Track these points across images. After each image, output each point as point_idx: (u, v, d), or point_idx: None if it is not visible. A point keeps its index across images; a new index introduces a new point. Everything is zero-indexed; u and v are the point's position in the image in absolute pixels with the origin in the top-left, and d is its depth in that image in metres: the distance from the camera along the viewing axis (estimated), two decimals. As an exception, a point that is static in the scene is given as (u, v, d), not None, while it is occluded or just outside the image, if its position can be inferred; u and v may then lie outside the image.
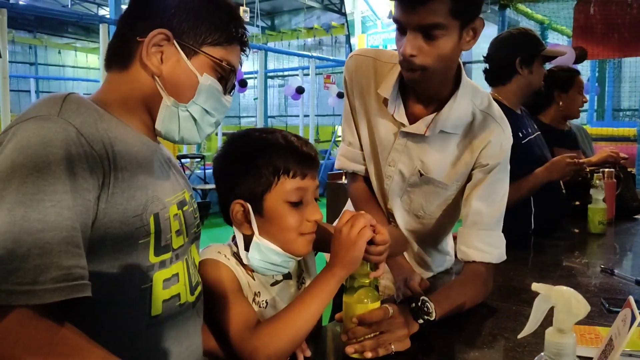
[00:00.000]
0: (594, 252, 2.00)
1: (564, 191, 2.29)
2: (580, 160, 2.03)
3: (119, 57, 0.90)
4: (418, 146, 1.34)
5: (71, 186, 0.71)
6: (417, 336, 1.08)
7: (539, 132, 2.20)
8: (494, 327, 1.19)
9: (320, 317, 0.98)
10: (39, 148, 0.70)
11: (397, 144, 1.36)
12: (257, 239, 1.00)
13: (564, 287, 0.64)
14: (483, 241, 1.29)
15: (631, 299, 0.80)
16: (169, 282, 0.86)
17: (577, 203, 2.41)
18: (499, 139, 1.30)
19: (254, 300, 1.03)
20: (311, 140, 10.66)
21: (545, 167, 2.02)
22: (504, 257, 1.33)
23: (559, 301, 0.63)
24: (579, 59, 5.30)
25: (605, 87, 9.76)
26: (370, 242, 0.96)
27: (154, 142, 0.93)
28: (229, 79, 0.94)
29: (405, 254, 1.50)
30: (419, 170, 1.36)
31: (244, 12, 8.31)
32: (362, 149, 1.46)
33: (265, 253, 1.00)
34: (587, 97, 9.14)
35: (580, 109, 2.59)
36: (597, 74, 9.18)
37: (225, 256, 1.02)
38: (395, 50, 1.27)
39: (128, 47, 0.88)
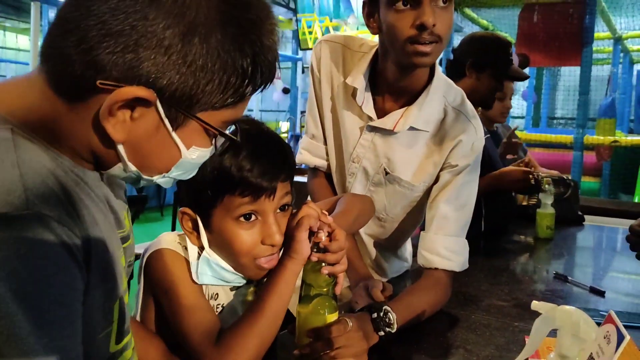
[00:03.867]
0: (544, 257, 1.99)
1: (513, 194, 2.28)
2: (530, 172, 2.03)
3: (62, 83, 0.58)
4: (385, 142, 1.25)
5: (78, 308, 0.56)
6: (375, 348, 1.00)
7: (488, 135, 2.18)
8: (455, 339, 1.12)
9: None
10: (34, 282, 0.51)
11: (363, 138, 1.27)
12: (206, 253, 0.88)
13: (570, 307, 0.56)
14: (447, 248, 1.21)
15: (613, 313, 0.74)
16: None
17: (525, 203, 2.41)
18: (471, 138, 1.23)
19: (210, 303, 0.92)
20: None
21: (496, 174, 1.99)
22: (466, 266, 1.26)
23: (564, 323, 0.55)
24: (522, 66, 5.40)
25: (542, 95, 10.12)
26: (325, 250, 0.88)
27: (89, 172, 0.66)
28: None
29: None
30: (385, 169, 1.27)
31: None
32: (325, 143, 1.36)
33: (215, 270, 0.89)
34: (525, 104, 9.43)
35: (503, 114, 2.57)
36: (534, 82, 9.48)
37: (185, 248, 0.90)
38: (363, 38, 1.17)
39: (77, 79, 0.56)
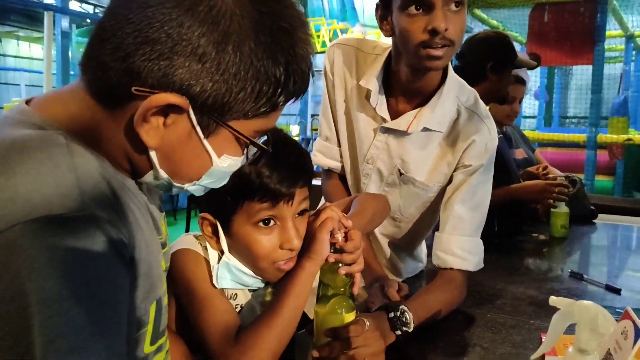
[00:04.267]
0: (558, 255, 1.98)
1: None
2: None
3: (101, 91, 0.61)
4: (399, 143, 1.26)
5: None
6: (392, 347, 1.01)
7: (501, 135, 2.18)
8: (471, 337, 1.13)
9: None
10: (87, 281, 0.53)
11: (377, 140, 1.28)
12: (226, 257, 0.90)
13: (589, 302, 0.57)
14: (462, 248, 1.22)
15: (630, 310, 0.75)
16: None
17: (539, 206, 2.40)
18: (484, 138, 1.23)
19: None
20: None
21: (522, 185, 2.02)
22: (481, 265, 1.26)
23: (583, 318, 0.56)
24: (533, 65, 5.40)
25: (553, 94, 10.05)
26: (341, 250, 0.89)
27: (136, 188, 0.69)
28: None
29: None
30: (399, 169, 1.28)
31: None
32: (339, 145, 1.38)
33: (235, 274, 0.91)
34: (536, 103, 9.32)
35: (510, 117, 2.57)
36: (545, 82, 9.43)
37: (206, 248, 0.92)
38: (376, 40, 1.19)
39: (114, 86, 0.58)
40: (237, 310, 0.94)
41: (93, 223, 0.53)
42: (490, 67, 1.96)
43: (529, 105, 9.09)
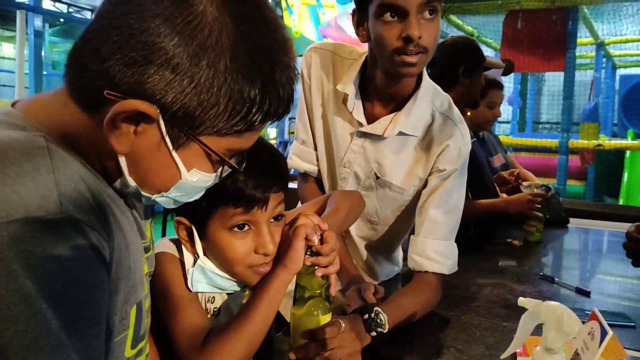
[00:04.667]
0: (532, 259, 2.02)
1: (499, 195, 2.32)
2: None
3: (78, 92, 0.61)
4: (375, 147, 1.28)
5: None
6: (368, 348, 1.02)
7: (475, 139, 2.22)
8: (445, 339, 1.14)
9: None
10: (66, 282, 0.53)
11: (354, 144, 1.29)
12: (201, 261, 0.89)
13: (554, 303, 0.58)
14: (437, 251, 1.23)
15: (597, 311, 0.77)
16: None
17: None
18: (458, 143, 1.25)
19: (206, 307, 0.93)
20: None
21: (506, 200, 2.12)
22: (456, 268, 1.28)
23: (549, 318, 0.57)
24: (507, 71, 5.45)
25: (527, 100, 10.24)
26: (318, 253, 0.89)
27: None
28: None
29: (353, 261, 1.43)
30: (375, 173, 1.29)
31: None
32: (315, 149, 1.38)
33: (210, 277, 0.90)
34: (510, 108, 9.47)
35: (490, 122, 2.62)
36: (519, 87, 9.60)
37: (181, 251, 0.92)
38: (352, 45, 1.20)
39: (89, 88, 0.59)
40: (215, 313, 0.94)
41: (71, 225, 0.54)
42: (462, 72, 2.02)
43: (503, 110, 9.21)
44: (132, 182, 0.65)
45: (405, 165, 1.28)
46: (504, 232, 2.27)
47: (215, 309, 0.94)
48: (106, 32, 0.57)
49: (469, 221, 2.00)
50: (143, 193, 0.66)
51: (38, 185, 0.53)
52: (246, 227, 0.87)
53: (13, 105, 0.65)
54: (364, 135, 1.28)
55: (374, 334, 1.02)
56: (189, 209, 0.87)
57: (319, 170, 1.41)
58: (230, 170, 0.69)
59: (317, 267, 0.88)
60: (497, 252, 2.06)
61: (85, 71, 0.58)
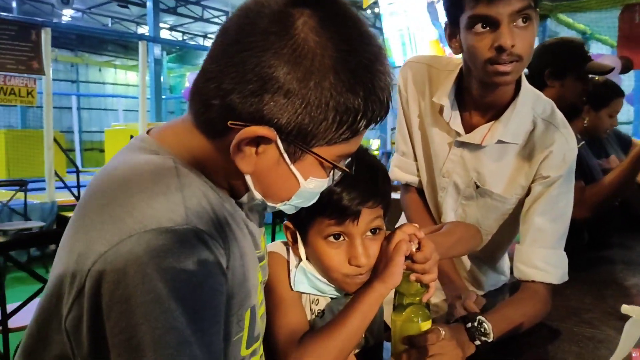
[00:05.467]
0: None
1: (617, 203, 2.17)
2: None
3: (204, 124, 0.70)
4: (474, 156, 1.27)
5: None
6: (473, 358, 1.01)
7: (584, 142, 2.10)
8: (556, 351, 1.11)
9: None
10: (190, 285, 0.60)
11: (452, 154, 1.30)
12: (303, 264, 0.95)
13: None
14: (544, 260, 1.20)
15: None
16: None
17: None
18: (562, 149, 1.21)
19: (310, 308, 0.99)
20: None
21: (629, 161, 1.81)
22: (566, 278, 1.24)
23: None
24: (625, 69, 5.12)
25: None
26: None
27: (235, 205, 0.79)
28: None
29: (457, 271, 1.43)
30: (475, 182, 1.29)
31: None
32: (415, 160, 1.41)
33: (311, 280, 0.96)
34: (631, 109, 8.74)
35: (607, 130, 2.45)
36: (641, 85, 8.86)
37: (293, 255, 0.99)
38: (450, 56, 1.21)
39: (215, 120, 0.67)
40: (319, 315, 0.98)
41: (195, 235, 0.61)
42: (549, 74, 1.92)
43: (622, 111, 8.57)
44: (258, 196, 0.73)
45: (506, 174, 1.26)
46: (622, 241, 2.13)
47: (319, 311, 0.99)
48: (224, 69, 0.65)
49: (579, 222, 1.89)
50: (268, 204, 0.75)
51: (168, 201, 0.62)
52: (341, 238, 0.91)
53: (148, 132, 0.76)
54: (462, 144, 1.28)
55: (478, 342, 1.02)
56: (294, 215, 0.92)
57: (420, 181, 1.43)
58: (342, 173, 0.75)
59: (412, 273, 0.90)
60: (615, 262, 1.94)
61: (209, 105, 0.67)
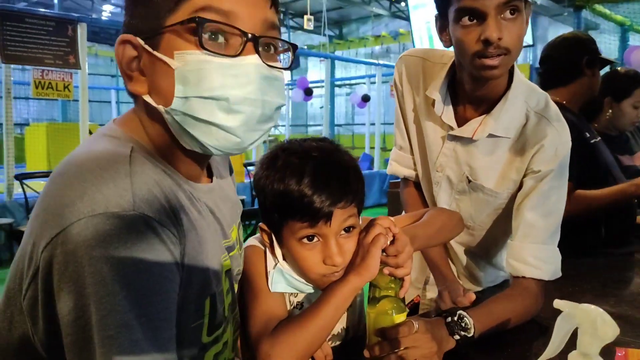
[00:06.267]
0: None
1: (636, 200, 2.11)
2: None
3: (131, 95, 0.78)
4: (466, 150, 1.27)
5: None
6: (453, 353, 1.01)
7: (600, 138, 2.06)
8: (542, 348, 1.08)
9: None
10: (137, 269, 0.62)
11: (445, 148, 1.29)
12: (280, 264, 0.96)
13: (589, 306, 0.56)
14: (535, 256, 1.18)
15: None
16: (220, 353, 0.84)
17: None
18: (554, 143, 1.19)
19: (289, 299, 1.00)
20: (377, 149, 10.35)
21: (636, 183, 1.86)
22: (559, 274, 1.21)
23: (583, 321, 0.55)
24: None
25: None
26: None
27: (199, 186, 0.80)
28: (225, 32, 0.69)
29: (452, 267, 1.42)
30: (467, 177, 1.28)
31: (308, 21, 8.35)
32: (412, 154, 1.41)
33: (289, 280, 0.96)
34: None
35: (633, 123, 2.39)
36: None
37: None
38: (444, 49, 1.20)
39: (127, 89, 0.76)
40: (298, 306, 1.00)
41: (143, 222, 0.63)
42: (586, 62, 1.96)
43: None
44: (161, 107, 0.71)
45: (498, 168, 1.25)
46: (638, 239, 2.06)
47: (298, 302, 1.00)
48: None
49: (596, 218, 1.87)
50: (173, 108, 0.70)
51: (117, 186, 0.64)
52: (315, 239, 0.90)
53: (114, 120, 0.80)
54: (454, 138, 1.27)
55: (457, 337, 1.02)
56: (267, 217, 0.94)
57: (417, 175, 1.43)
58: (217, 23, 0.69)
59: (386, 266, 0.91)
60: (625, 261, 1.88)
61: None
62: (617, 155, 2.30)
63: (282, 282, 0.96)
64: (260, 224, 0.97)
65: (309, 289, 0.98)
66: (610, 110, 2.33)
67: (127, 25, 0.74)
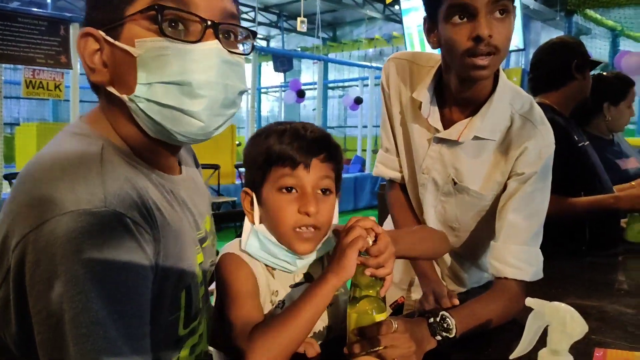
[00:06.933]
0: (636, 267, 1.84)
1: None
2: None
3: (95, 91, 0.81)
4: (452, 153, 1.28)
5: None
6: (435, 354, 1.02)
7: (588, 142, 2.09)
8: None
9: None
10: (108, 266, 0.63)
11: (431, 150, 1.30)
12: (256, 227, 1.00)
13: (558, 303, 0.57)
14: (517, 257, 1.19)
15: None
16: (197, 345, 0.85)
17: None
18: (538, 145, 1.21)
19: (270, 299, 1.01)
20: (369, 151, 10.38)
21: (616, 196, 1.91)
22: (540, 275, 1.23)
23: (553, 319, 0.56)
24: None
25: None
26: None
27: (172, 178, 0.82)
28: (185, 19, 0.70)
29: (437, 268, 1.43)
30: (453, 179, 1.29)
31: (302, 24, 8.37)
32: (398, 156, 1.42)
33: (263, 242, 1.00)
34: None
35: (627, 122, 2.45)
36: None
37: (245, 252, 1.02)
38: (432, 52, 1.21)
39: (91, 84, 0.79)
40: (280, 305, 1.01)
41: (116, 219, 0.64)
42: (575, 67, 1.99)
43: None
44: (124, 97, 0.72)
45: (483, 171, 1.26)
46: (624, 241, 2.08)
47: (279, 301, 1.01)
48: None
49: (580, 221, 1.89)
50: (137, 96, 0.71)
51: (88, 184, 0.64)
52: (293, 191, 0.97)
53: (81, 117, 0.80)
54: (440, 141, 1.28)
55: (439, 338, 1.03)
56: (250, 178, 1.02)
57: (403, 177, 1.44)
58: (176, 10, 0.70)
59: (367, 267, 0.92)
60: (609, 263, 1.90)
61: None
62: (616, 161, 2.34)
63: (255, 244, 1.00)
64: (244, 189, 1.03)
65: (281, 252, 1.00)
66: (609, 115, 2.38)
67: (87, 18, 0.75)
